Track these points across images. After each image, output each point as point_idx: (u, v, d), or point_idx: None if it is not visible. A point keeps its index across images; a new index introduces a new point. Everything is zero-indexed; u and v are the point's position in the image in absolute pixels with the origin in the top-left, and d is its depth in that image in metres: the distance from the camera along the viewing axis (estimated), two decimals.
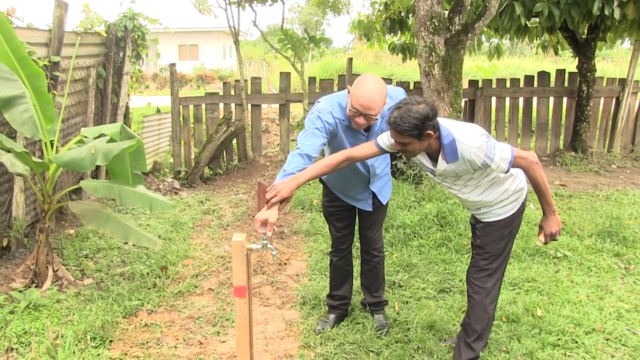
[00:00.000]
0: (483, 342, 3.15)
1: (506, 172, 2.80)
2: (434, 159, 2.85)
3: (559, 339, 3.52)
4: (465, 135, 2.71)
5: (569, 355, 3.36)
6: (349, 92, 3.05)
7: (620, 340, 3.53)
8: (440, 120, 2.76)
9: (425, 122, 2.63)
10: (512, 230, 3.04)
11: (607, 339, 3.54)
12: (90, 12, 16.42)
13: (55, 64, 5.28)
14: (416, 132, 2.64)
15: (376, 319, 3.74)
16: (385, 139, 2.89)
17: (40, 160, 4.08)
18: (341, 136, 3.19)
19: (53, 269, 4.32)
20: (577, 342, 3.49)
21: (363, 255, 3.73)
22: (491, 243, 3.02)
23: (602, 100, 9.01)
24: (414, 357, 3.35)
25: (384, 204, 3.56)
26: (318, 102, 3.21)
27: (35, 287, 4.15)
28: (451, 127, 2.75)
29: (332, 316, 3.77)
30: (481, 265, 3.07)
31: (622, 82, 8.90)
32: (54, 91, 5.20)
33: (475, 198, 2.96)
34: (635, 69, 8.81)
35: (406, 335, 3.58)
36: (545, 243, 2.99)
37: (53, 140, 4.21)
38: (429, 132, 2.67)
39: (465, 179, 2.90)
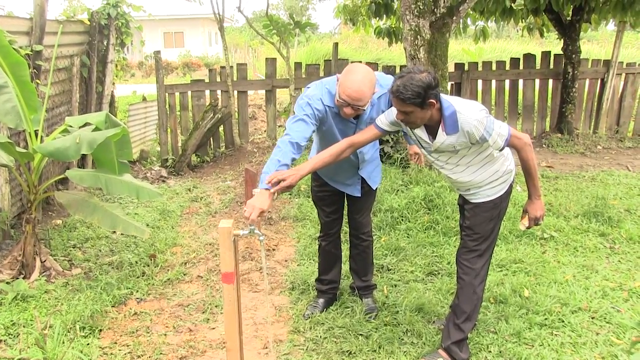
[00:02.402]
0: (472, 323, 3.18)
1: (501, 150, 2.85)
2: (433, 134, 2.86)
3: (545, 319, 3.57)
4: (466, 108, 2.75)
5: (556, 335, 3.41)
6: (338, 80, 3.03)
7: (605, 318, 3.58)
8: (442, 95, 2.80)
9: (428, 91, 2.65)
10: (501, 211, 3.07)
11: (592, 317, 3.60)
12: None
13: (37, 53, 5.20)
14: (419, 100, 2.65)
15: (365, 303, 3.76)
16: (384, 118, 2.95)
17: (24, 151, 4.03)
18: (330, 123, 3.18)
19: (41, 260, 4.29)
20: (563, 321, 3.55)
21: (352, 239, 3.74)
22: (480, 224, 3.05)
23: (587, 81, 9.06)
24: (403, 339, 3.38)
25: (374, 188, 3.56)
26: (307, 87, 3.19)
27: (23, 278, 4.12)
28: (452, 100, 2.79)
29: (321, 301, 3.79)
30: (470, 246, 3.09)
31: (607, 63, 8.94)
32: (37, 80, 5.13)
33: (466, 178, 2.99)
34: (620, 50, 8.85)
35: (395, 318, 3.61)
36: (529, 227, 3.03)
37: (37, 130, 4.16)
38: (431, 100, 2.69)
39: (459, 156, 2.91)
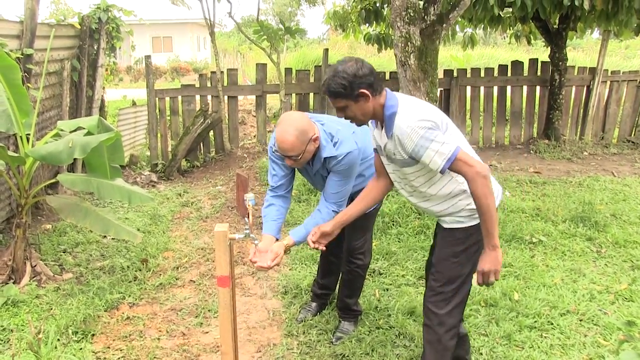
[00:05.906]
0: None
1: (442, 172, 2.36)
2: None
3: (535, 321, 3.62)
4: (406, 111, 2.37)
5: (545, 337, 3.47)
6: None
7: (592, 321, 3.65)
8: (401, 95, 2.48)
9: (356, 80, 2.34)
10: (469, 249, 2.58)
11: (580, 320, 3.66)
12: (60, 3, 16.09)
13: (28, 57, 5.19)
14: (346, 91, 2.35)
15: (340, 325, 3.59)
16: (376, 138, 2.64)
17: (15, 154, 4.02)
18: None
19: (31, 265, 4.28)
20: (552, 324, 3.60)
21: (344, 256, 3.53)
22: (444, 260, 2.64)
23: (573, 88, 9.17)
24: (395, 342, 3.42)
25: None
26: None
27: (13, 283, 4.10)
28: (402, 101, 2.44)
29: (314, 304, 3.80)
30: (434, 287, 2.68)
31: (593, 71, 9.07)
32: (28, 84, 5.11)
33: (423, 204, 2.67)
34: (605, 58, 8.98)
35: (387, 322, 3.64)
36: (479, 284, 2.46)
37: (29, 134, 4.15)
38: (363, 90, 2.36)
39: (406, 175, 2.56)
